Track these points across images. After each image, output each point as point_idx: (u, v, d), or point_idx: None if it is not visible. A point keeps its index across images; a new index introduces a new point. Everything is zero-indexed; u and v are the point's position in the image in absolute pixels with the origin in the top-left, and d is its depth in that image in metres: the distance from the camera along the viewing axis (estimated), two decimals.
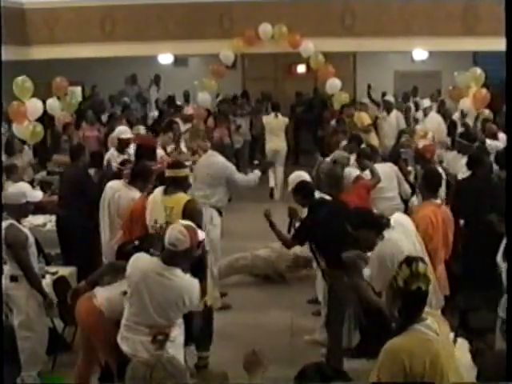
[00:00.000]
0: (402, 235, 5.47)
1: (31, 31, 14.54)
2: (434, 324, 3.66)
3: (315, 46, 13.93)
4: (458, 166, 8.56)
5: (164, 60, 16.73)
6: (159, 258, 4.88)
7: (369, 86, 15.03)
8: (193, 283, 4.91)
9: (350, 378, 2.88)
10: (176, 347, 4.88)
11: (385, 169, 8.29)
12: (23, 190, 6.34)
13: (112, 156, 9.23)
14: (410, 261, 3.74)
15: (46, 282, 6.54)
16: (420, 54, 15.87)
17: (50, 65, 13.98)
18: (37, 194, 6.59)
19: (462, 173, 7.58)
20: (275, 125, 13.54)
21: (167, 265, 4.81)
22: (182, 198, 6.10)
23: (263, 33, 14.00)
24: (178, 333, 4.91)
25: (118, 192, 7.24)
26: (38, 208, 8.11)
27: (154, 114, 15.69)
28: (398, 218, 5.73)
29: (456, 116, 12.65)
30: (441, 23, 13.89)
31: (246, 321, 7.62)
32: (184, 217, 5.79)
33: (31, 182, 9.63)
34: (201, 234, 5.05)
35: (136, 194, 7.11)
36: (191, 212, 5.92)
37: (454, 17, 13.89)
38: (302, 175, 7.02)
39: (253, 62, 17.75)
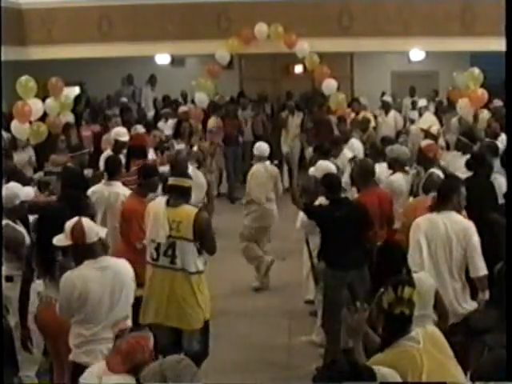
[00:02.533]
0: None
1: (29, 31, 14.53)
2: (418, 335, 3.77)
3: (312, 47, 13.91)
4: (457, 165, 8.52)
5: (161, 60, 16.74)
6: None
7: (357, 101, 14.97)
8: (123, 260, 5.02)
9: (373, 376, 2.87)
10: None
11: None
12: (15, 190, 6.37)
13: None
14: (396, 284, 3.82)
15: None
16: (417, 54, 15.87)
17: (47, 65, 13.96)
18: (28, 191, 6.66)
19: (462, 173, 7.54)
20: None
21: (93, 259, 4.78)
22: (189, 211, 5.79)
23: (259, 32, 13.98)
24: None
25: (104, 193, 7.30)
26: (36, 208, 8.09)
27: (151, 113, 15.68)
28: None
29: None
30: (438, 23, 13.90)
31: (243, 321, 7.62)
32: (195, 230, 5.69)
33: (28, 182, 9.62)
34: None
35: (119, 187, 7.30)
36: (203, 224, 5.76)
37: (451, 17, 13.89)
38: (330, 166, 7.27)
39: (250, 62, 17.74)
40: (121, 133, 9.53)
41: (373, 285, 4.88)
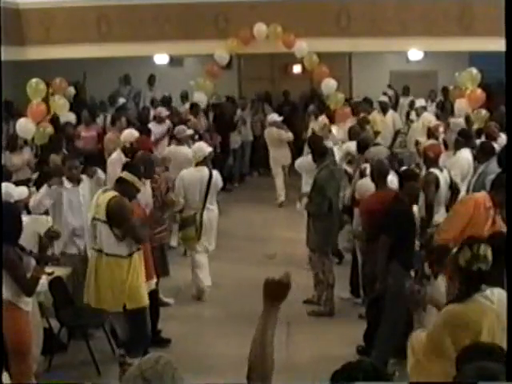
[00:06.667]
0: None
1: (27, 31, 14.48)
2: (492, 295, 3.96)
3: (310, 46, 13.90)
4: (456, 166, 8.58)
5: (160, 60, 16.72)
6: None
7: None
8: None
9: (391, 378, 2.88)
10: None
11: None
12: (8, 190, 6.38)
13: (120, 159, 9.07)
14: (471, 243, 4.01)
15: (42, 283, 6.50)
16: (415, 54, 15.86)
17: (45, 65, 13.94)
18: (22, 191, 6.68)
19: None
20: None
21: None
22: (109, 195, 6.17)
23: (258, 32, 13.98)
24: None
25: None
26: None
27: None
28: None
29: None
30: (437, 23, 13.88)
31: (241, 321, 7.60)
32: (107, 212, 6.02)
33: (27, 182, 9.59)
34: None
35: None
36: (113, 207, 6.06)
37: (449, 17, 13.88)
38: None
39: (249, 62, 17.73)
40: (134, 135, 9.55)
41: None
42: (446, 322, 3.94)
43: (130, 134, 9.56)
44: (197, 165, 8.63)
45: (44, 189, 7.39)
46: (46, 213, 7.51)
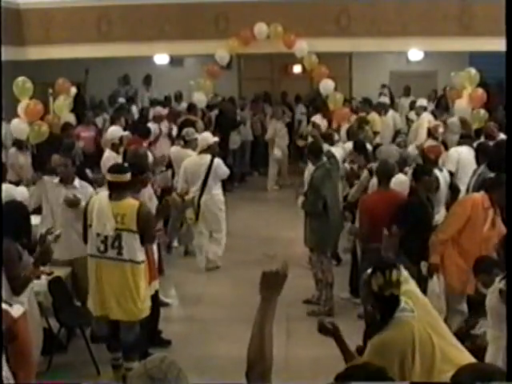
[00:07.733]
0: None
1: (27, 31, 14.51)
2: (408, 304, 3.91)
3: (311, 47, 13.93)
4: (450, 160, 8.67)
5: (160, 60, 16.74)
6: None
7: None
8: None
9: (392, 378, 2.88)
10: None
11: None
12: (10, 192, 6.38)
13: (111, 157, 9.12)
14: (383, 268, 3.93)
15: (42, 283, 6.52)
16: (415, 54, 15.88)
17: (45, 65, 13.95)
18: (23, 191, 6.67)
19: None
20: None
21: None
22: (132, 203, 6.03)
23: (258, 32, 14.00)
24: None
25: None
26: (35, 208, 8.08)
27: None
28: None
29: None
30: (436, 23, 13.90)
31: (241, 321, 7.60)
32: (138, 222, 5.91)
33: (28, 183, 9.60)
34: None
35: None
36: (145, 216, 6.01)
37: (449, 17, 13.90)
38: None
39: (249, 62, 17.75)
40: (118, 132, 9.58)
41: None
42: (380, 357, 3.74)
43: (116, 131, 9.71)
44: (200, 153, 9.31)
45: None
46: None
